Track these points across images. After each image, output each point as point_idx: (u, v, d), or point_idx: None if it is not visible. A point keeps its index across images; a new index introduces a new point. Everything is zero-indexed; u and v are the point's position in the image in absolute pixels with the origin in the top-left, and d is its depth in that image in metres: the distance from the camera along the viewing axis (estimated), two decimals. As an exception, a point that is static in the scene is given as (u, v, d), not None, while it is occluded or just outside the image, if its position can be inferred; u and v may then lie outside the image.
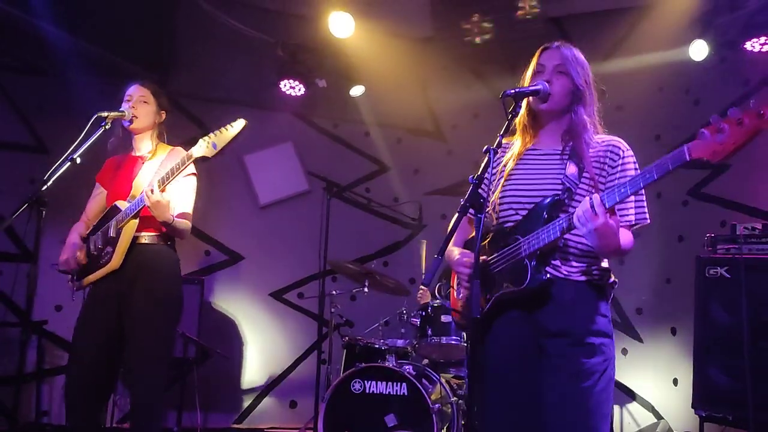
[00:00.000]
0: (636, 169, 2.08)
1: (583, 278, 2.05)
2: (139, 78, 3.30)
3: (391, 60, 5.50)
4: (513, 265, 2.06)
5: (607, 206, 1.83)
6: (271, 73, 5.41)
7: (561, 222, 1.96)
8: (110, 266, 2.92)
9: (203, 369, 5.10)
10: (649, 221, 2.07)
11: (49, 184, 2.68)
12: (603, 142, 2.12)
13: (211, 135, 2.81)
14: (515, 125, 2.23)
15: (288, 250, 5.62)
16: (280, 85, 5.32)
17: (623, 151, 2.09)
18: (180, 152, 3.11)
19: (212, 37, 5.40)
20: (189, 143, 3.14)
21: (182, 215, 3.03)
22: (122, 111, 3.03)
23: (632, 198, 2.01)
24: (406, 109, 5.93)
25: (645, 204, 2.08)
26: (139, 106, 3.10)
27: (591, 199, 1.84)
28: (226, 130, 2.80)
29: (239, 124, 2.81)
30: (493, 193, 2.22)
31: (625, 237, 1.98)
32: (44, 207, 2.64)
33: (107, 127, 2.95)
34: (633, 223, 2.05)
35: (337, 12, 4.94)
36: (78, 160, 2.77)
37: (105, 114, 2.95)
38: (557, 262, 2.06)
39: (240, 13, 5.36)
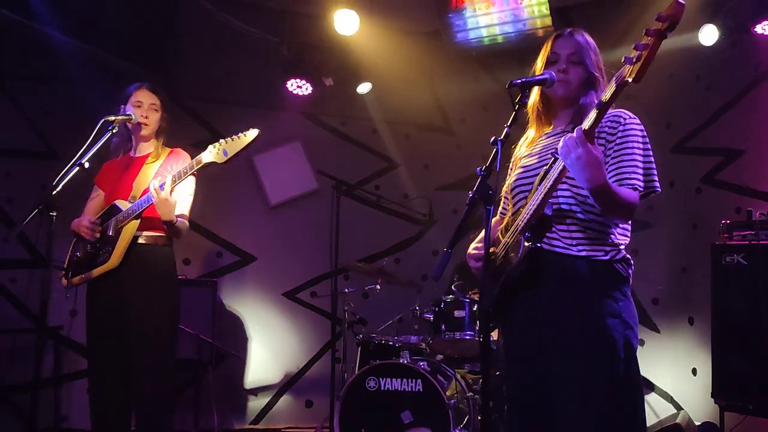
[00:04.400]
0: (643, 136, 2.00)
1: (583, 254, 1.96)
2: (146, 80, 3.29)
3: (398, 55, 5.47)
4: (513, 245, 2.04)
5: (586, 128, 1.80)
6: (278, 72, 5.38)
7: (546, 181, 1.91)
8: (108, 265, 2.90)
9: (218, 371, 5.10)
10: (659, 190, 1.99)
11: (58, 189, 2.68)
12: (608, 115, 2.02)
13: (222, 141, 2.78)
14: (526, 114, 2.22)
15: (300, 250, 5.61)
16: (287, 85, 5.30)
17: (624, 119, 2.02)
18: (181, 153, 3.12)
19: (217, 38, 5.38)
20: (196, 145, 3.14)
21: (180, 216, 3.02)
22: (129, 114, 3.02)
23: (640, 163, 1.95)
24: (413, 105, 5.89)
25: (655, 173, 1.99)
26: (151, 113, 3.11)
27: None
28: (239, 138, 2.77)
29: (252, 134, 2.76)
30: (506, 184, 2.21)
31: (627, 192, 1.90)
32: (54, 212, 2.64)
33: (115, 131, 2.95)
34: (641, 189, 1.94)
35: (342, 9, 4.92)
36: (86, 165, 2.77)
37: (112, 118, 2.95)
38: (554, 235, 1.99)
39: (244, 14, 5.34)
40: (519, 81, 2.05)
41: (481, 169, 1.92)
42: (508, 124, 2.00)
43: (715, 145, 4.70)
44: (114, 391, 2.95)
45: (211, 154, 2.81)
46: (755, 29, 4.25)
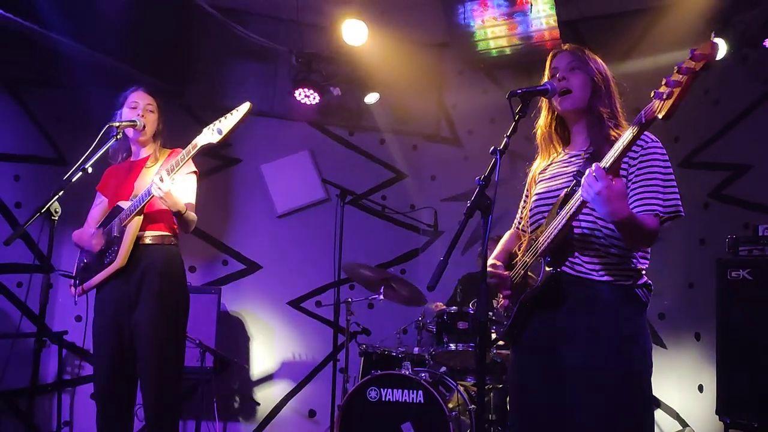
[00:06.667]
0: (664, 160, 1.97)
1: (606, 278, 1.96)
2: (149, 87, 3.29)
3: (406, 66, 5.48)
4: (532, 267, 2.04)
5: (605, 167, 1.78)
6: (286, 82, 5.41)
7: (567, 208, 1.90)
8: (116, 265, 2.88)
9: (221, 379, 5.09)
10: (683, 214, 1.96)
11: (60, 194, 2.69)
12: None
13: (216, 122, 2.80)
14: (529, 126, 2.23)
15: (306, 259, 5.60)
16: (295, 94, 5.31)
17: (646, 143, 1.99)
18: (180, 153, 3.11)
19: (227, 48, 5.42)
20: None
21: (188, 206, 2.99)
22: (133, 121, 3.03)
23: (660, 189, 1.93)
24: (421, 116, 5.88)
25: (678, 197, 1.95)
26: (147, 114, 3.10)
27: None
28: (231, 115, 2.79)
29: (244, 107, 2.77)
30: (524, 211, 2.21)
31: (648, 220, 1.89)
32: (55, 216, 2.64)
33: (119, 137, 2.96)
34: (661, 215, 1.92)
35: (351, 20, 4.93)
36: (90, 170, 2.78)
37: (116, 124, 2.97)
38: (576, 260, 1.98)
39: (254, 24, 5.38)
40: (520, 91, 2.06)
41: (479, 179, 1.92)
42: (508, 134, 2.01)
43: (723, 160, 4.66)
44: (120, 394, 2.93)
45: (205, 137, 2.82)
46: (765, 44, 4.21)
